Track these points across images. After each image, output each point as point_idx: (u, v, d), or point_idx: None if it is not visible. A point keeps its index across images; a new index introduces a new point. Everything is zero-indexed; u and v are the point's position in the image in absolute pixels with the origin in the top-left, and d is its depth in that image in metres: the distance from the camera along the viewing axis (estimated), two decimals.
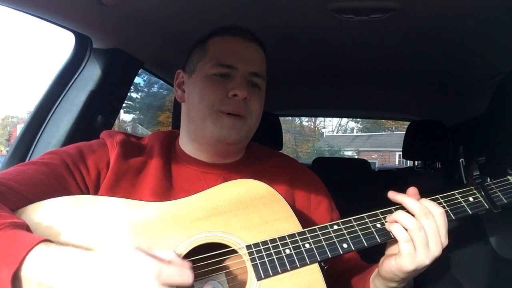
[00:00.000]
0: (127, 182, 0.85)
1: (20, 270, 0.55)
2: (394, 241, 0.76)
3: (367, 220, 0.78)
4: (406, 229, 0.73)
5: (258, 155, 1.03)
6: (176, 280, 0.56)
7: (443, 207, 0.79)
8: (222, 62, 0.90)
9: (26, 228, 0.62)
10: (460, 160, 0.86)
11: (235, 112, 0.88)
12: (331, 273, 0.91)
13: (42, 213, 0.68)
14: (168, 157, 0.93)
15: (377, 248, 0.79)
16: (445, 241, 0.73)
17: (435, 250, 0.71)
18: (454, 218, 0.79)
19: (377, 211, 0.80)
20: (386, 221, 0.78)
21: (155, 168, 0.89)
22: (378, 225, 0.78)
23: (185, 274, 0.57)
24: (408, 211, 0.75)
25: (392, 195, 0.78)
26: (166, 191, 0.86)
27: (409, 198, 0.76)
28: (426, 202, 0.76)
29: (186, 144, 0.96)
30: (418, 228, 0.71)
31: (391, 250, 0.78)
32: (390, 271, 0.74)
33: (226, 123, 0.87)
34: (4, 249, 0.57)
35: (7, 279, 0.54)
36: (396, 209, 0.78)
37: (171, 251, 0.60)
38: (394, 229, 0.74)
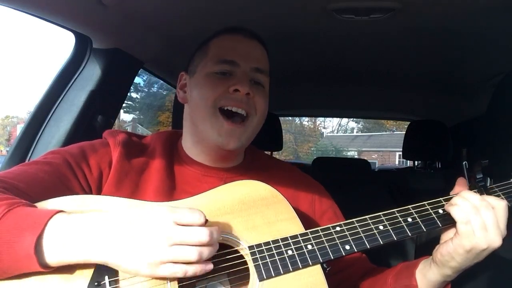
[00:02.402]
0: (130, 181, 0.85)
1: (42, 236, 0.59)
2: (448, 228, 0.79)
3: (369, 221, 0.78)
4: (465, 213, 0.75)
5: (262, 162, 1.02)
6: (188, 219, 0.62)
7: (444, 210, 0.80)
8: (223, 58, 0.89)
9: None
10: (464, 163, 0.86)
11: (237, 107, 0.87)
12: (346, 278, 0.92)
13: None
14: (171, 157, 0.93)
15: (380, 250, 0.79)
16: (504, 232, 0.75)
17: (494, 238, 0.73)
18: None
19: (379, 213, 0.80)
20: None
21: (158, 168, 0.89)
22: (381, 227, 0.78)
23: (196, 213, 0.63)
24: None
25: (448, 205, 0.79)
26: (169, 191, 0.86)
27: (468, 193, 0.77)
28: (487, 197, 0.78)
29: (188, 146, 0.96)
30: (475, 213, 0.74)
31: (446, 236, 0.80)
32: (447, 253, 0.76)
33: (224, 129, 0.86)
34: (25, 219, 0.60)
35: (30, 245, 0.58)
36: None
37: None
38: (453, 210, 0.76)
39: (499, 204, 0.75)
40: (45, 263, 0.59)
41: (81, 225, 0.61)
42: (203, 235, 0.62)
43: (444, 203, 0.81)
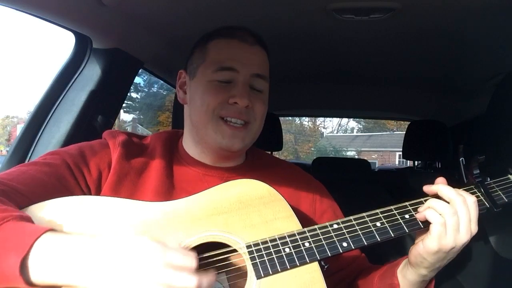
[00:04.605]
0: (129, 182, 0.85)
1: (28, 257, 0.57)
2: (423, 230, 0.79)
3: (367, 219, 0.79)
4: (440, 214, 0.75)
5: (263, 161, 1.02)
6: (180, 263, 0.58)
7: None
8: (223, 65, 0.89)
9: (31, 222, 0.64)
10: (460, 159, 0.86)
11: (236, 118, 0.87)
12: (344, 277, 0.93)
13: (44, 213, 0.68)
14: (170, 157, 0.93)
15: (380, 249, 0.79)
16: (474, 229, 0.76)
17: (464, 236, 0.74)
18: None
19: (377, 210, 0.80)
20: (416, 212, 0.80)
21: (157, 168, 0.89)
22: (378, 224, 0.78)
23: (189, 258, 0.59)
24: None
25: (427, 187, 0.81)
26: (168, 191, 0.86)
27: (444, 186, 0.78)
28: (460, 190, 0.78)
29: (189, 145, 0.96)
30: (453, 213, 0.74)
31: (420, 238, 0.81)
32: (418, 255, 0.77)
33: (226, 132, 0.87)
34: (12, 238, 0.59)
35: (15, 266, 0.56)
36: (426, 200, 0.81)
37: (176, 242, 0.62)
38: (428, 213, 0.77)
39: (471, 200, 0.76)
40: (31, 283, 0.58)
41: (68, 249, 0.59)
42: (191, 283, 0.58)
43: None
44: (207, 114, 0.88)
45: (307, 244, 0.74)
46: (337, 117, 22.19)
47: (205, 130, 0.89)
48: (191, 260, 0.59)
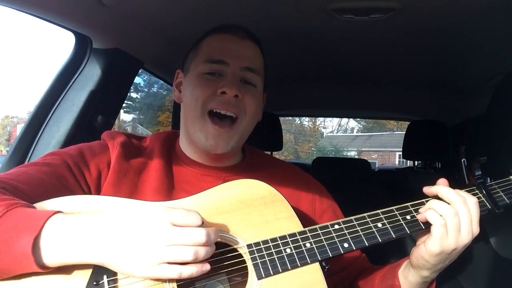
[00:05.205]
0: (129, 181, 0.85)
1: (39, 237, 0.59)
2: (424, 232, 0.79)
3: (368, 219, 0.79)
4: (440, 215, 0.75)
5: (262, 161, 1.02)
6: (185, 220, 0.62)
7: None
8: (212, 57, 0.89)
9: None
10: (462, 160, 0.86)
11: (225, 110, 0.86)
12: (345, 278, 0.94)
13: None
14: (169, 157, 0.93)
15: (381, 250, 0.79)
16: (476, 230, 0.75)
17: (465, 237, 0.74)
18: None
19: (378, 211, 0.80)
20: (418, 213, 0.80)
21: (156, 168, 0.89)
22: (379, 225, 0.78)
23: (193, 215, 0.63)
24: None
25: (427, 189, 0.81)
26: (168, 190, 0.86)
27: (444, 188, 0.78)
28: (461, 191, 0.78)
29: (185, 146, 0.96)
30: (454, 214, 0.74)
31: (421, 239, 0.80)
32: (420, 257, 0.77)
33: (211, 133, 0.86)
34: (23, 220, 0.61)
35: (28, 245, 0.58)
36: (427, 201, 0.80)
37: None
38: (429, 214, 0.76)
39: (471, 201, 0.76)
40: (42, 264, 0.60)
41: (78, 226, 0.61)
42: (200, 235, 0.62)
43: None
44: (196, 109, 0.87)
45: (308, 245, 0.74)
46: (337, 117, 22.19)
47: (193, 128, 0.89)
48: (196, 216, 0.63)
